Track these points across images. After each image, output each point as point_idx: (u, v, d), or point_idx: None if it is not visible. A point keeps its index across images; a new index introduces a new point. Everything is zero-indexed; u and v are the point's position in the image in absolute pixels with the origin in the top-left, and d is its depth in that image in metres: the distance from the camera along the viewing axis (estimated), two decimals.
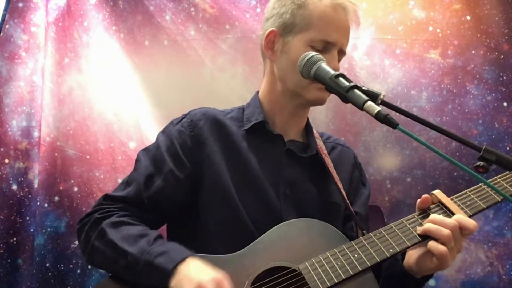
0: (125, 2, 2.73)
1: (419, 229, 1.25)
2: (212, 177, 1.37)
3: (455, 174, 2.49)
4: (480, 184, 1.32)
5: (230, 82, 2.69)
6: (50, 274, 2.56)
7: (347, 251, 1.24)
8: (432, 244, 1.21)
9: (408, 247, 1.24)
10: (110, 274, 1.32)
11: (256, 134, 1.45)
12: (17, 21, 2.59)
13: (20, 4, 2.60)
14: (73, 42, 2.71)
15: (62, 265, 2.57)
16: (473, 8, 2.53)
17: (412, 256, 1.30)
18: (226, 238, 1.30)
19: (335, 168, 1.50)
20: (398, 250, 1.23)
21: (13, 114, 2.56)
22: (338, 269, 1.21)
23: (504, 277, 2.43)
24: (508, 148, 2.46)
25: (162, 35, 2.72)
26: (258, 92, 1.55)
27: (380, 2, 2.60)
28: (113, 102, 2.70)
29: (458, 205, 1.29)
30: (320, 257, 1.23)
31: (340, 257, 1.23)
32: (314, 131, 1.58)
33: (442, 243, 1.20)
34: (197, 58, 2.69)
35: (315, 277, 1.19)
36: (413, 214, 1.31)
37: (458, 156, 2.46)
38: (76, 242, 2.58)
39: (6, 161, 2.52)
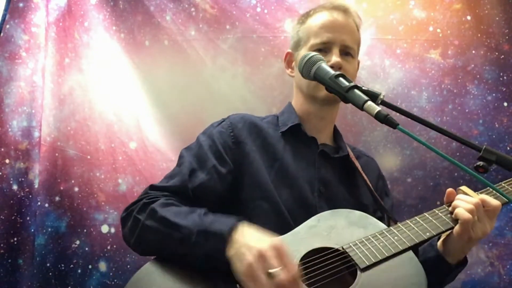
0: (126, 2, 2.73)
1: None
2: (251, 174, 1.46)
3: (456, 174, 2.49)
4: (500, 182, 1.45)
5: (231, 82, 2.69)
6: (50, 274, 2.55)
7: (386, 233, 1.32)
8: (459, 210, 1.33)
9: (443, 231, 1.34)
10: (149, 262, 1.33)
11: (292, 137, 1.56)
12: (17, 21, 2.59)
13: (21, 4, 2.60)
14: (74, 42, 2.70)
15: (62, 265, 2.57)
16: (474, 8, 2.53)
17: (441, 243, 1.41)
18: (267, 231, 1.33)
19: (363, 172, 1.60)
20: (434, 234, 1.32)
21: (13, 114, 2.56)
22: (381, 248, 1.27)
23: (504, 277, 2.43)
24: (508, 148, 2.46)
25: (162, 35, 2.72)
26: (290, 102, 1.68)
27: (380, 2, 2.60)
28: (113, 102, 2.70)
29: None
30: (362, 239, 1.30)
31: (381, 238, 1.30)
32: None
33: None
34: (198, 58, 2.69)
35: (360, 255, 1.25)
36: (444, 205, 1.41)
37: (458, 156, 2.46)
38: (78, 242, 2.58)
39: (7, 161, 2.52)
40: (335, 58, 1.49)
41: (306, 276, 1.21)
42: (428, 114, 2.53)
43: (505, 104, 2.50)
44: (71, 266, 2.57)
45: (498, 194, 1.41)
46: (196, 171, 1.45)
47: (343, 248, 1.27)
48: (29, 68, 2.61)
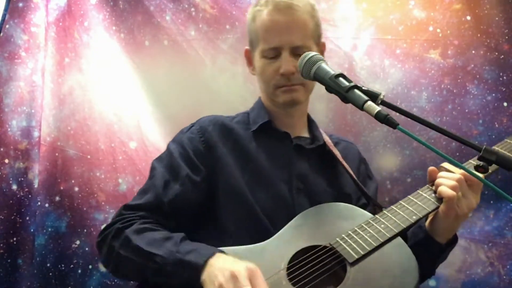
0: (125, 2, 2.73)
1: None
2: (225, 178, 1.42)
3: None
4: (470, 160, 1.39)
5: (230, 82, 2.69)
6: (50, 274, 2.56)
7: (372, 223, 1.30)
8: (442, 188, 1.30)
9: (429, 212, 1.31)
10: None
11: (264, 135, 1.51)
12: (17, 21, 2.59)
13: (20, 4, 2.60)
14: (74, 42, 2.71)
15: (62, 265, 2.57)
16: (473, 8, 2.53)
17: (429, 224, 1.38)
18: (243, 236, 1.33)
19: (343, 159, 1.56)
20: (421, 216, 1.30)
21: (13, 114, 2.57)
22: (368, 238, 1.25)
23: (504, 277, 2.43)
24: None
25: (162, 35, 2.72)
26: (260, 97, 1.63)
27: (380, 2, 2.59)
28: (113, 102, 2.70)
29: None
30: (349, 232, 1.28)
31: (368, 228, 1.28)
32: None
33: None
34: (197, 58, 2.69)
35: (348, 248, 1.23)
36: (427, 185, 1.38)
37: (458, 156, 2.46)
38: (78, 242, 2.58)
39: (6, 161, 2.53)
40: (285, 66, 1.44)
41: (297, 278, 1.19)
42: (428, 114, 2.53)
43: (505, 104, 2.49)
44: (71, 266, 2.57)
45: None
46: (170, 183, 1.39)
47: (330, 244, 1.26)
48: (29, 68, 2.62)
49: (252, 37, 1.54)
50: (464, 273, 2.44)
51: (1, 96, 2.53)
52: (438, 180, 1.34)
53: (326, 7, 2.63)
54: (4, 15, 2.52)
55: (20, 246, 2.51)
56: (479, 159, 1.04)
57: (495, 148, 1.43)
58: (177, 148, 1.47)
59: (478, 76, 2.51)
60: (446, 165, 1.38)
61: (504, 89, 2.49)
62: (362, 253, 1.21)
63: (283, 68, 1.44)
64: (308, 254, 1.24)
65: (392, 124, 1.07)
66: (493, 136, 2.48)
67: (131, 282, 2.53)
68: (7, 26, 2.54)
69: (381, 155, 2.55)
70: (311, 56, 1.29)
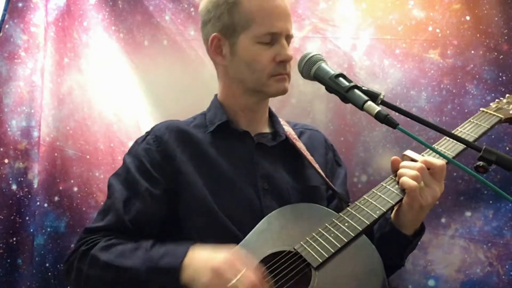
0: (125, 2, 2.73)
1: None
2: (186, 188, 1.36)
3: (455, 174, 2.49)
4: (444, 137, 1.38)
5: None
6: (50, 274, 2.56)
7: (336, 222, 1.26)
8: (403, 179, 1.26)
9: (393, 205, 1.27)
10: None
11: (223, 136, 1.45)
12: (16, 21, 2.59)
13: (20, 4, 2.60)
14: (73, 42, 2.70)
15: (62, 265, 2.57)
16: (473, 8, 2.53)
17: (394, 216, 1.34)
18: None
19: (308, 151, 1.50)
20: (384, 210, 1.26)
21: (12, 114, 2.56)
22: (333, 239, 1.21)
23: (503, 277, 2.43)
24: (507, 148, 2.45)
25: (161, 35, 2.72)
26: (216, 95, 1.57)
27: (379, 2, 2.59)
28: (113, 102, 2.70)
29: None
30: (313, 234, 1.24)
31: (332, 228, 1.24)
32: (280, 119, 1.59)
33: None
34: (197, 58, 2.69)
35: (312, 252, 1.19)
36: (390, 176, 1.35)
37: (457, 156, 2.45)
38: None
39: (6, 161, 2.52)
40: (286, 52, 1.38)
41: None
42: (427, 114, 2.52)
43: None
44: None
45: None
46: (130, 200, 1.34)
47: (294, 249, 1.21)
48: (28, 68, 2.61)
49: (236, 21, 1.38)
50: (463, 273, 2.44)
51: (1, 96, 2.53)
52: (399, 171, 1.30)
53: (326, 7, 2.63)
54: (3, 15, 2.51)
55: (19, 246, 2.50)
56: (479, 159, 1.04)
57: (459, 129, 1.45)
58: (134, 161, 1.41)
59: (477, 76, 2.51)
60: (409, 152, 1.35)
61: (503, 89, 2.49)
62: (327, 255, 1.18)
63: (284, 54, 1.38)
64: (274, 261, 1.21)
65: (392, 124, 1.08)
66: (492, 136, 2.47)
67: None
68: (6, 26, 2.54)
69: (381, 155, 2.54)
70: (311, 56, 1.29)
